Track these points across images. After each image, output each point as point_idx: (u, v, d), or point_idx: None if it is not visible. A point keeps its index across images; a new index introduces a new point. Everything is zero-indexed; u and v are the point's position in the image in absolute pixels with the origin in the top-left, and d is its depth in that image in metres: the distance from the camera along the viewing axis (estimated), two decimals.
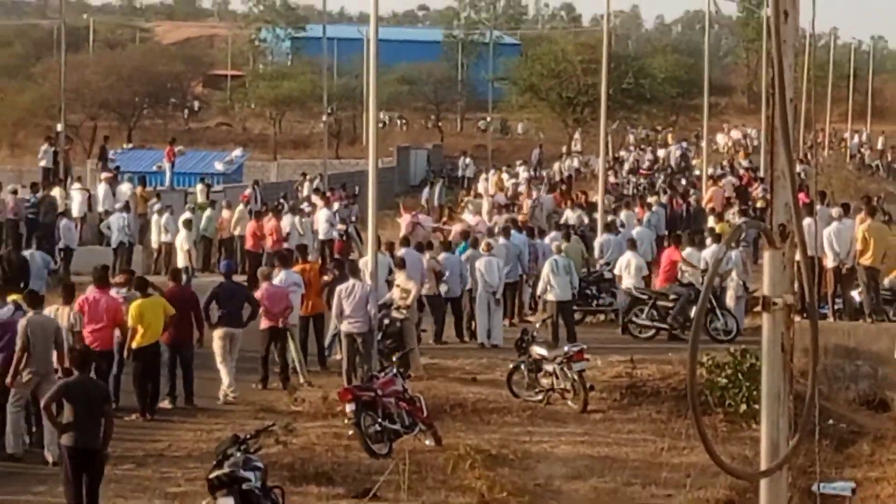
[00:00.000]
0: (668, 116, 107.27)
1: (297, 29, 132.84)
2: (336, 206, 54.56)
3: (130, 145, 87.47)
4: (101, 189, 55.52)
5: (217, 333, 29.85)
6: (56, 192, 52.65)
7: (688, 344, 21.12)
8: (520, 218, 52.71)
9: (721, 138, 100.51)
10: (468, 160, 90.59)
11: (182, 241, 45.78)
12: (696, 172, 77.48)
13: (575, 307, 39.05)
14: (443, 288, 37.83)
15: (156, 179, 64.92)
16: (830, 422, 28.98)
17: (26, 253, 39.38)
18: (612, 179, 64.49)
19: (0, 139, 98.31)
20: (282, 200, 58.69)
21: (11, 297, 26.71)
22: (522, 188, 68.21)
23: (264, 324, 31.12)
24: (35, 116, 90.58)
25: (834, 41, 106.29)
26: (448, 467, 24.43)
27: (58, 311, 26.61)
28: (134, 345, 27.63)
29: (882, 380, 34.16)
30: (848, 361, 33.88)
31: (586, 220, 51.28)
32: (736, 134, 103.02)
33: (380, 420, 25.38)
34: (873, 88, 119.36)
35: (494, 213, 54.42)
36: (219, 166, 75.52)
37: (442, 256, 38.62)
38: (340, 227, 51.04)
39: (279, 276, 32.81)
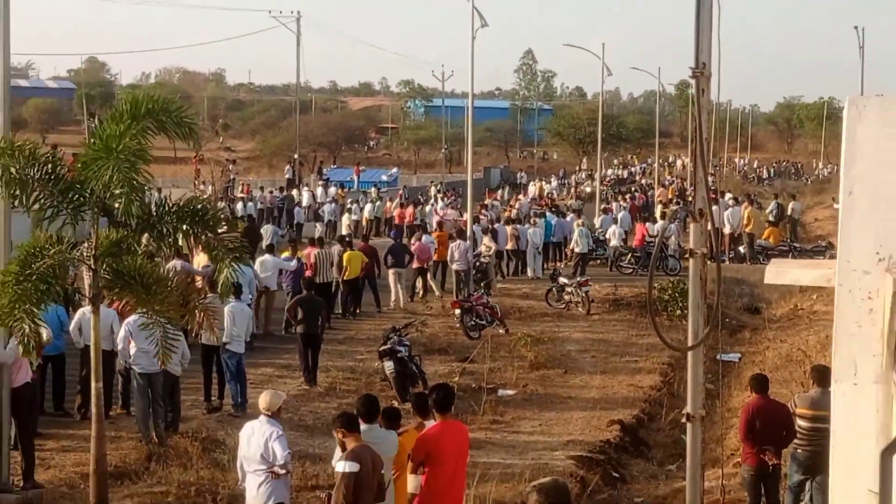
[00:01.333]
0: (636, 149, 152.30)
1: (427, 100, 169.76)
2: (448, 200, 72.45)
3: (335, 166, 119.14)
4: (319, 191, 76.62)
5: (391, 271, 38.59)
6: (294, 192, 72.92)
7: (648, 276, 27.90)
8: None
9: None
10: (523, 174, 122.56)
11: (349, 221, 59.19)
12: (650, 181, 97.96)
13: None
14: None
15: (349, 185, 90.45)
16: (728, 320, 34.95)
17: (266, 227, 49.95)
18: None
19: (263, 163, 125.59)
20: (419, 197, 78.71)
21: (294, 253, 36.09)
22: (555, 191, 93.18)
23: (415, 265, 40.21)
24: (282, 150, 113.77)
25: (729, 106, 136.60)
26: (512, 345, 31.47)
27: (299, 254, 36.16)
28: (344, 277, 35.78)
29: (756, 297, 43.34)
30: (737, 286, 43.81)
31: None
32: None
33: (473, 318, 33.38)
34: (751, 133, 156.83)
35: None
36: (384, 178, 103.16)
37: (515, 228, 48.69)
38: (452, 212, 60.93)
39: (423, 238, 42.92)
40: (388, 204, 69.33)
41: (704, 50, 13.92)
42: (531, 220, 50.92)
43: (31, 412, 18.44)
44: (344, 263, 35.88)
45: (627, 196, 73.72)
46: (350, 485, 12.46)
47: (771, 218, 52.52)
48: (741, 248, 48.04)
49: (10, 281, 14.73)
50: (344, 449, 12.64)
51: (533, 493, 9.37)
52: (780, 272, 14.82)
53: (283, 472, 13.41)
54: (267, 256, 33.99)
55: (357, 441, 12.64)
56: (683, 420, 14.70)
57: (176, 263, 26.49)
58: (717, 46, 13.84)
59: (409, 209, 63.88)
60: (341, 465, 12.63)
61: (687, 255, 15.09)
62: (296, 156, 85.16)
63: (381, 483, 12.87)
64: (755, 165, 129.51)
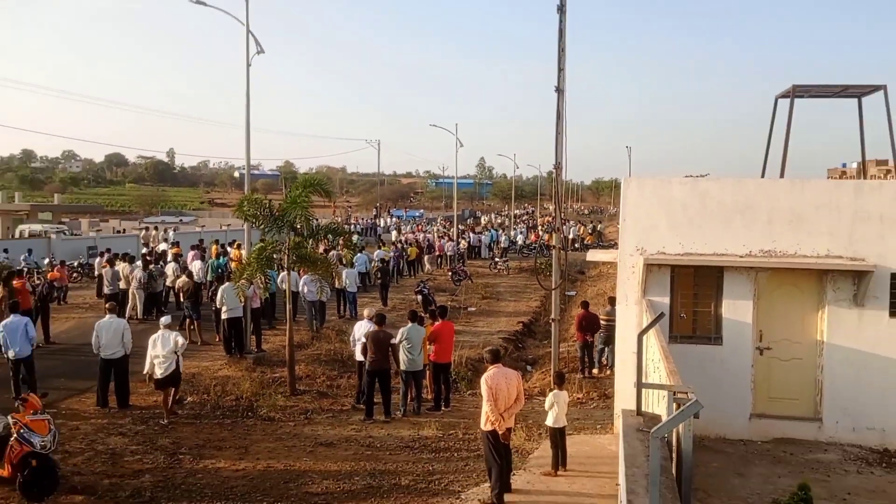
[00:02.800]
0: (529, 200, 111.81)
1: (436, 179, 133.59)
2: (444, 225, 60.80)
3: (395, 208, 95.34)
4: (390, 220, 68.68)
5: (426, 257, 35.52)
6: (378, 220, 67.44)
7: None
8: None
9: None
10: (479, 212, 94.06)
11: (402, 234, 52.31)
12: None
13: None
14: None
15: (401, 216, 79.03)
16: (569, 276, 31.48)
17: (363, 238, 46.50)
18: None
19: (364, 208, 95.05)
20: (433, 222, 67.89)
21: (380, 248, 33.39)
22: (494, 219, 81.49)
23: (436, 253, 37.76)
24: (371, 202, 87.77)
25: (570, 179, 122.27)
26: (474, 288, 30.49)
27: None
28: (409, 259, 32.21)
29: (582, 266, 35.71)
30: (573, 261, 35.17)
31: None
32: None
33: (458, 276, 31.77)
34: (580, 192, 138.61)
35: None
36: (417, 214, 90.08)
37: (478, 237, 45.48)
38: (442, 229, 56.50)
39: (441, 241, 40.16)
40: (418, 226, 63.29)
41: (560, 154, 14.12)
42: (483, 233, 49.65)
43: (260, 318, 17.98)
44: (409, 252, 34.46)
45: (525, 220, 73.48)
46: (370, 340, 12.75)
47: (590, 231, 52.83)
48: (576, 245, 46.61)
49: (254, 259, 14.79)
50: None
51: (486, 353, 9.34)
52: (594, 254, 15.30)
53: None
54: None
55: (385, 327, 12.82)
56: (551, 321, 15.14)
57: (332, 254, 25.47)
58: (564, 152, 14.17)
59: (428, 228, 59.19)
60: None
61: (552, 248, 15.50)
62: (378, 203, 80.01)
63: (393, 346, 12.98)
64: (581, 208, 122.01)
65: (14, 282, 17.22)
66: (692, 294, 11.26)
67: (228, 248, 26.69)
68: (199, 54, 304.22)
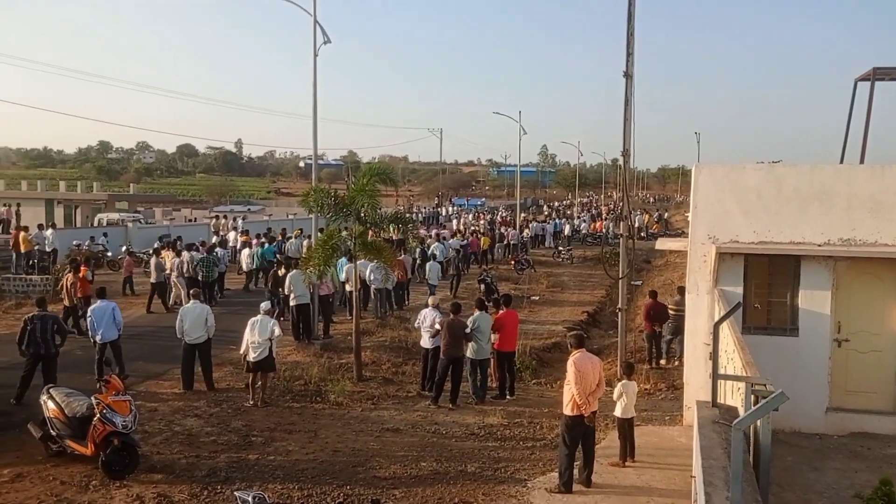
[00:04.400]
0: (593, 189, 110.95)
1: (498, 167, 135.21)
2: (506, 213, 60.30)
3: (457, 197, 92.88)
4: (450, 209, 69.31)
5: (496, 245, 36.52)
6: (440, 209, 66.50)
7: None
8: None
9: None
10: (541, 200, 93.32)
11: (464, 221, 51.72)
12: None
13: None
14: None
15: (463, 204, 75.85)
16: (636, 265, 29.94)
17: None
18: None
19: (425, 197, 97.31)
20: (493, 210, 66.65)
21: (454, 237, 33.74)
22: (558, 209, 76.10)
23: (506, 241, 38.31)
24: (433, 191, 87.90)
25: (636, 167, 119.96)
26: (537, 277, 30.61)
27: None
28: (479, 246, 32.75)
29: (648, 255, 35.25)
30: (640, 250, 32.81)
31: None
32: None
33: (520, 265, 31.29)
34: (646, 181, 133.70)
35: None
36: (479, 202, 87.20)
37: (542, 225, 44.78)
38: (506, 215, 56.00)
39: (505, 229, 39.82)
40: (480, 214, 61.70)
41: (628, 140, 13.95)
42: (546, 221, 49.43)
43: (328, 304, 18.22)
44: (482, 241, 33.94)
45: (590, 209, 72.37)
46: (445, 328, 12.78)
47: (656, 219, 51.97)
48: (642, 234, 45.07)
49: (319, 248, 14.92)
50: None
51: (569, 338, 9.30)
52: (663, 242, 15.06)
53: (438, 328, 13.19)
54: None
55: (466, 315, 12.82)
56: (617, 310, 14.95)
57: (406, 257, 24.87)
58: (633, 139, 13.94)
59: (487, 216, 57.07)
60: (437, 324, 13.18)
61: (619, 236, 15.29)
62: (439, 192, 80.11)
63: (467, 335, 12.95)
64: (647, 196, 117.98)
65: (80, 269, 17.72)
66: (767, 284, 10.95)
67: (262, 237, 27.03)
68: (266, 45, 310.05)
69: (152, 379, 13.44)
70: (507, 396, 13.51)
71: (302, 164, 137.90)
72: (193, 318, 13.14)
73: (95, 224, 38.05)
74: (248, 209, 62.91)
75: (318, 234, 16.72)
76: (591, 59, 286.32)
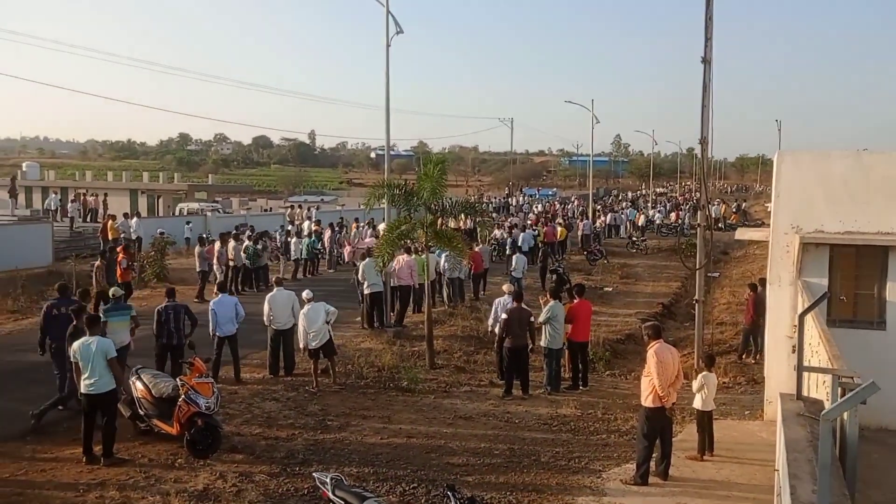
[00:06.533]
0: (669, 179, 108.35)
1: (569, 157, 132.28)
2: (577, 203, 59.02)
3: (528, 187, 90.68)
4: (521, 198, 68.23)
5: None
6: (511, 199, 64.74)
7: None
8: None
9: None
10: (614, 191, 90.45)
11: (536, 211, 50.87)
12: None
13: None
14: None
15: (533, 195, 77.32)
16: (713, 256, 28.44)
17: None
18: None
19: (495, 186, 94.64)
20: (566, 201, 65.83)
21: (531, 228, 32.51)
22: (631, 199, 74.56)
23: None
24: (504, 181, 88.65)
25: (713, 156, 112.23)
26: (611, 268, 29.70)
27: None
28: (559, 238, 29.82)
29: (725, 246, 34.77)
30: (717, 241, 32.37)
31: None
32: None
33: (593, 255, 31.35)
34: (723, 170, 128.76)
35: None
36: (550, 193, 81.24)
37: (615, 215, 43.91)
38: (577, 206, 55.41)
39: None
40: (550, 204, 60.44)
41: (706, 128, 13.60)
42: (620, 211, 48.51)
43: (406, 295, 18.03)
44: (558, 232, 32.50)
45: (668, 199, 71.00)
46: (504, 323, 12.79)
47: (734, 210, 50.55)
48: (720, 224, 43.36)
49: (386, 238, 15.17)
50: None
51: (646, 329, 9.19)
52: (744, 233, 14.70)
53: (504, 316, 13.10)
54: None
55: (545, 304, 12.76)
56: (694, 302, 14.66)
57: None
58: (711, 127, 13.59)
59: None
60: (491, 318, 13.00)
61: (696, 226, 15.02)
62: (510, 182, 79.30)
63: (531, 324, 12.96)
64: (725, 185, 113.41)
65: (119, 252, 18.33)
66: (853, 275, 10.58)
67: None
68: (339, 37, 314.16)
69: (228, 364, 13.45)
70: (581, 387, 13.43)
71: (373, 154, 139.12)
72: (280, 305, 13.30)
73: (176, 213, 39.48)
74: (322, 199, 63.92)
75: (382, 225, 16.95)
76: (667, 45, 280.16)
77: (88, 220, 34.38)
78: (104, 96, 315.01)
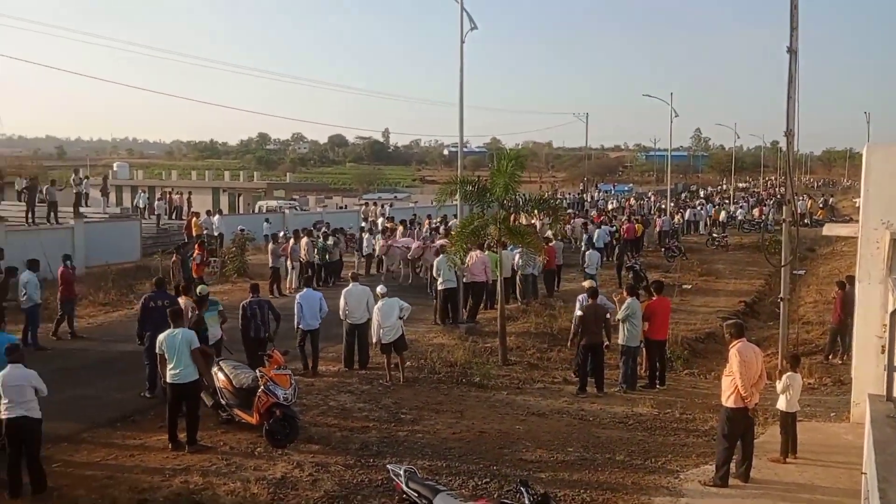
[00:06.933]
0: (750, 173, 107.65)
1: (646, 152, 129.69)
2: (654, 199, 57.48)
3: (604, 183, 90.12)
4: (596, 194, 68.55)
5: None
6: (585, 195, 61.55)
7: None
8: None
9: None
10: (694, 185, 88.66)
11: (612, 205, 49.54)
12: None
13: None
14: None
15: (608, 190, 77.23)
16: (798, 253, 30.67)
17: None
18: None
19: (569, 183, 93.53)
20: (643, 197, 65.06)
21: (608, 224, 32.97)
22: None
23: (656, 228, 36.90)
24: (578, 177, 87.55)
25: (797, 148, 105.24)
26: (689, 265, 28.68)
27: None
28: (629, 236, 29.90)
29: (812, 243, 32.81)
30: (803, 237, 29.04)
31: None
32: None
33: (670, 252, 30.20)
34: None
35: None
36: (626, 189, 79.90)
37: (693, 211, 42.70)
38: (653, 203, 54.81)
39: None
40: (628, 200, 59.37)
41: (792, 121, 13.17)
42: (700, 207, 47.19)
43: (479, 291, 17.96)
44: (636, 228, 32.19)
45: (752, 194, 68.71)
46: (579, 321, 12.65)
47: (821, 205, 48.68)
48: (805, 220, 41.96)
49: (459, 234, 15.24)
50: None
51: (728, 327, 8.96)
52: (831, 228, 14.15)
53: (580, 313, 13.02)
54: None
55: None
56: (779, 300, 14.21)
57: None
58: (797, 119, 13.17)
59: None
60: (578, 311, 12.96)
61: (780, 222, 14.64)
62: (584, 178, 77.08)
63: (606, 321, 12.85)
64: (811, 180, 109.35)
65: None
66: None
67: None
68: (413, 34, 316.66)
69: (298, 358, 13.50)
70: (658, 386, 13.18)
71: (446, 151, 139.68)
72: (355, 300, 13.45)
73: (256, 211, 40.60)
74: (395, 196, 64.73)
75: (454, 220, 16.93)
76: (750, 35, 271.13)
77: (174, 217, 35.68)
78: (189, 98, 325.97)
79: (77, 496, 8.09)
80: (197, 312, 11.59)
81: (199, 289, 12.68)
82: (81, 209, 29.17)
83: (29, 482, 8.14)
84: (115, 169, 59.20)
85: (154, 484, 8.45)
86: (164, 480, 8.55)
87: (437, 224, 28.82)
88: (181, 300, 11.79)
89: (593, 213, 36.88)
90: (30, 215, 26.81)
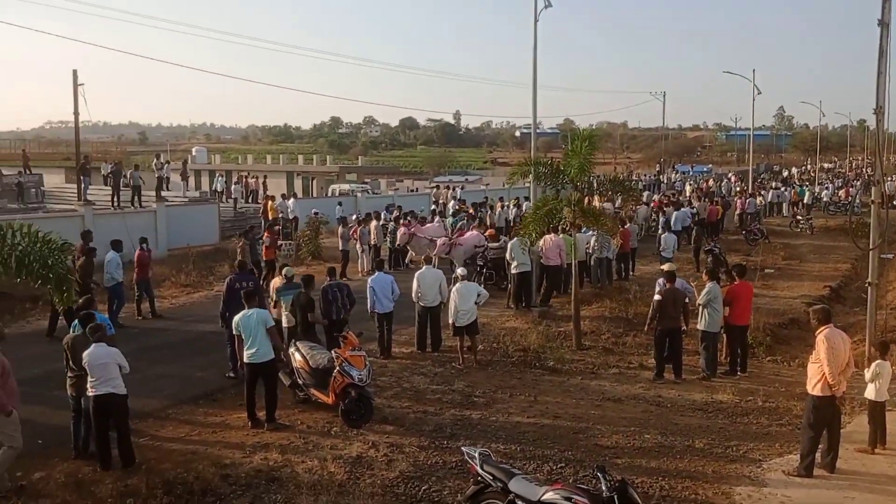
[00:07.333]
0: (836, 153, 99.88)
1: (727, 132, 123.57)
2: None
3: (680, 163, 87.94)
4: (673, 175, 64.38)
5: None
6: (662, 175, 59.79)
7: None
8: None
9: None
10: (776, 166, 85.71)
11: (691, 188, 48.54)
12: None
13: None
14: None
15: (686, 171, 75.18)
16: (887, 236, 29.34)
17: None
18: None
19: (645, 164, 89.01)
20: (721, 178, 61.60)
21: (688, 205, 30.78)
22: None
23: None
24: (655, 157, 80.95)
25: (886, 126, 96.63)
26: (772, 248, 28.05)
27: None
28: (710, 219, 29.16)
29: None
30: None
31: None
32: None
33: (751, 235, 29.32)
34: None
35: None
36: (705, 169, 77.38)
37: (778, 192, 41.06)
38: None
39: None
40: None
41: (882, 97, 12.56)
42: (783, 189, 45.56)
43: (555, 275, 17.70)
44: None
45: (839, 174, 66.14)
46: (657, 306, 12.30)
47: None
48: (895, 202, 40.27)
49: (532, 217, 15.08)
50: None
51: (815, 313, 8.67)
52: None
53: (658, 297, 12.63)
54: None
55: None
56: (866, 285, 13.67)
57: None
58: (887, 95, 12.52)
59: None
60: (657, 295, 12.62)
61: (869, 204, 13.95)
62: (661, 159, 74.66)
63: (685, 305, 12.55)
64: None
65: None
66: None
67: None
68: (484, 13, 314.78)
69: (373, 340, 13.64)
70: (738, 373, 12.84)
71: (518, 133, 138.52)
72: (428, 283, 13.53)
73: (328, 194, 41.14)
74: (466, 179, 64.55)
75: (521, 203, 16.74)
76: (837, 7, 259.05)
77: (250, 200, 36.53)
78: (264, 83, 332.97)
79: (163, 469, 8.41)
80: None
81: (284, 271, 12.92)
82: (163, 193, 30.28)
83: (118, 455, 8.52)
84: (193, 154, 60.80)
85: (235, 460, 8.73)
86: (244, 457, 8.83)
87: (464, 210, 27.78)
88: (276, 280, 12.12)
89: (654, 198, 35.43)
90: (115, 199, 28.06)
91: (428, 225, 22.67)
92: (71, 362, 8.85)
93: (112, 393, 8.42)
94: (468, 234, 20.62)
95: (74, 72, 27.18)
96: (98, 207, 25.48)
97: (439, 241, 19.60)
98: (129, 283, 16.69)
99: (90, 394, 8.46)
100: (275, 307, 12.42)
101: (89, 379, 8.46)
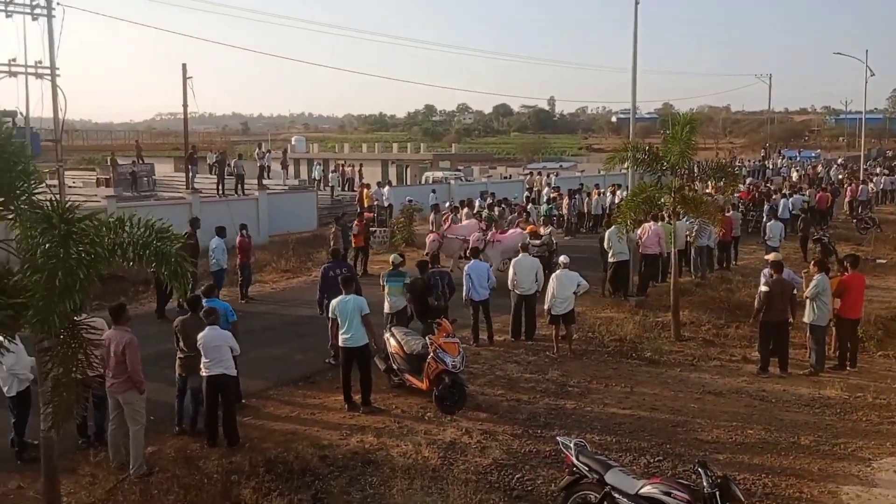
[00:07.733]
0: None
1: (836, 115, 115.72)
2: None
3: (787, 149, 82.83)
4: (779, 160, 63.27)
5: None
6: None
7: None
8: None
9: None
10: (889, 152, 78.47)
11: (797, 175, 45.68)
12: None
13: None
14: None
15: (793, 157, 70.23)
16: None
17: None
18: None
19: (749, 149, 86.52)
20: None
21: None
22: None
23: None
24: (759, 143, 79.51)
25: None
26: (885, 237, 26.28)
27: None
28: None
29: None
30: None
31: None
32: None
33: (863, 223, 27.32)
34: None
35: None
36: (812, 155, 72.49)
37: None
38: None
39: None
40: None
41: None
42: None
43: (653, 264, 17.40)
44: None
45: None
46: (764, 297, 11.82)
47: None
48: None
49: (628, 203, 14.61)
50: None
51: None
52: None
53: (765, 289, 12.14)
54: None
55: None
56: None
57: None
58: None
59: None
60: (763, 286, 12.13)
61: None
62: (766, 144, 72.45)
63: (792, 297, 12.00)
64: None
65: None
66: None
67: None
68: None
69: (467, 328, 13.60)
70: (848, 368, 12.21)
71: (614, 118, 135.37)
72: (524, 271, 13.45)
73: (422, 182, 41.50)
74: (561, 165, 63.75)
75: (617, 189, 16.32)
76: None
77: (346, 188, 37.29)
78: (360, 72, 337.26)
79: (265, 448, 8.75)
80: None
81: (392, 258, 13.05)
82: (264, 181, 31.34)
83: (223, 433, 8.93)
84: (293, 143, 62.58)
85: (333, 441, 9.00)
86: (341, 438, 9.09)
87: (488, 203, 25.84)
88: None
89: (741, 188, 33.54)
90: (220, 187, 29.22)
91: (461, 223, 21.04)
92: (181, 343, 9.31)
93: (224, 374, 8.88)
94: (510, 231, 19.74)
95: (184, 66, 28.53)
96: (204, 195, 26.62)
97: (472, 237, 18.43)
98: (233, 267, 17.27)
99: (203, 374, 8.90)
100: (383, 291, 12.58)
101: (203, 360, 8.89)
